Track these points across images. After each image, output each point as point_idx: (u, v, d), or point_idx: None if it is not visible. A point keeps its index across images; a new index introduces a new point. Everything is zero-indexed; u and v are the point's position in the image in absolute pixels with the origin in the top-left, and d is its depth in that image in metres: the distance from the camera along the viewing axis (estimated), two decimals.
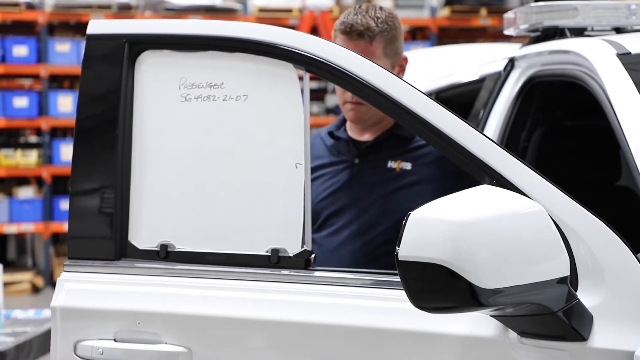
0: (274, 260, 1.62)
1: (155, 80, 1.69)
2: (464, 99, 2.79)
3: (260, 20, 7.48)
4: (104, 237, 1.67)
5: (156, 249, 1.67)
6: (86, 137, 1.70)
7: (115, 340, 1.63)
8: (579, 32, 2.20)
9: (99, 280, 1.66)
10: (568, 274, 1.37)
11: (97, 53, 1.69)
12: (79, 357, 1.64)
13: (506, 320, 1.46)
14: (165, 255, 1.67)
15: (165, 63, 1.69)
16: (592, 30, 2.20)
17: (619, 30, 2.19)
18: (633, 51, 1.84)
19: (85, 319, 1.64)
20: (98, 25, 1.70)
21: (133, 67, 1.69)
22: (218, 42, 1.67)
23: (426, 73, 3.13)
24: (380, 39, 1.99)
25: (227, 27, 1.67)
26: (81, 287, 1.67)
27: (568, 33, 2.19)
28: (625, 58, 1.81)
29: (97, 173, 1.68)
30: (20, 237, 7.92)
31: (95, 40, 1.69)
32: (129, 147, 1.69)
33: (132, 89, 1.69)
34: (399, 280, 1.52)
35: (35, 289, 7.32)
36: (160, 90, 1.69)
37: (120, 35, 1.68)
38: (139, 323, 1.63)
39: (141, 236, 1.67)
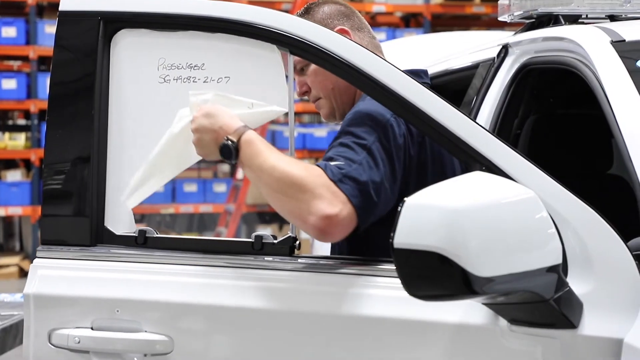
0: (258, 247, 1.60)
1: (132, 61, 1.65)
2: (457, 86, 2.76)
3: (252, 4, 7.42)
4: (79, 222, 1.63)
5: (134, 234, 1.64)
6: (60, 118, 1.66)
7: (92, 329, 1.60)
8: (573, 19, 2.18)
9: (75, 267, 1.63)
10: (560, 261, 1.36)
11: (70, 31, 1.65)
12: (54, 346, 1.61)
13: (497, 307, 1.45)
14: (143, 241, 1.63)
15: (143, 42, 1.65)
16: (587, 17, 2.18)
17: (613, 17, 2.17)
18: (627, 39, 1.83)
19: (61, 306, 1.61)
20: (71, 2, 1.66)
21: (109, 47, 1.65)
22: (198, 21, 1.63)
23: (419, 60, 3.10)
24: None
25: (208, 6, 1.63)
26: (55, 273, 1.63)
27: (562, 20, 2.17)
28: (620, 45, 1.79)
29: (71, 155, 1.64)
30: (7, 221, 7.90)
31: (69, 18, 1.65)
32: (105, 130, 1.65)
33: (108, 69, 1.65)
34: (387, 267, 1.50)
35: (23, 273, 7.30)
36: (137, 71, 1.65)
37: (94, 13, 1.64)
38: (117, 311, 1.60)
39: (118, 221, 1.64)
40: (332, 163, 1.55)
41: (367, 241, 1.66)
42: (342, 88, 1.80)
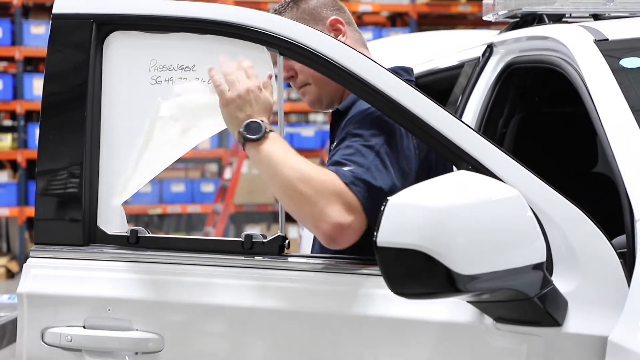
0: (248, 246, 1.61)
1: (124, 62, 1.66)
2: (443, 85, 2.78)
3: (239, 4, 7.41)
4: (72, 222, 1.64)
5: (126, 234, 1.65)
6: (53, 120, 1.67)
7: (84, 327, 1.61)
8: (557, 18, 2.19)
9: (67, 266, 1.64)
10: (545, 259, 1.37)
11: (63, 33, 1.66)
12: (47, 344, 1.61)
13: (482, 306, 1.46)
14: (135, 240, 1.64)
15: (135, 44, 1.66)
16: (571, 16, 2.20)
17: (597, 16, 2.19)
18: (610, 38, 1.84)
19: (53, 305, 1.62)
20: (64, 4, 1.67)
21: (101, 48, 1.66)
22: (189, 23, 1.64)
23: (406, 59, 3.11)
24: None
25: (198, 8, 1.64)
26: (48, 272, 1.64)
27: (546, 19, 2.18)
28: (603, 45, 1.80)
29: (64, 156, 1.65)
30: None
31: (62, 20, 1.66)
32: (97, 130, 1.66)
33: (101, 70, 1.66)
34: (374, 266, 1.52)
35: (10, 274, 7.26)
36: (129, 72, 1.66)
37: (87, 15, 1.65)
38: (109, 310, 1.60)
39: (110, 221, 1.65)
40: (345, 169, 1.55)
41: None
42: None
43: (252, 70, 1.61)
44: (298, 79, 1.82)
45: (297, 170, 1.53)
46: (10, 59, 7.58)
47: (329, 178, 1.53)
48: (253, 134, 1.56)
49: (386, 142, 1.60)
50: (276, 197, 1.59)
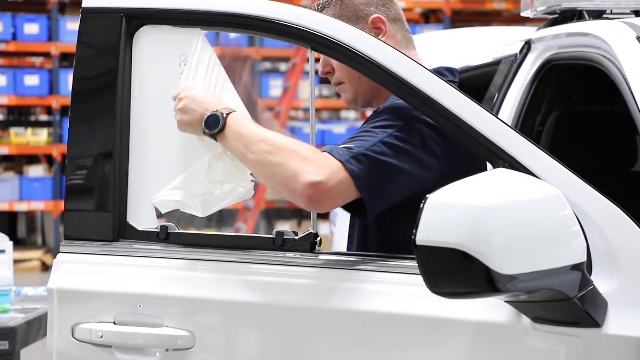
0: (279, 243, 1.60)
1: (154, 57, 1.66)
2: (478, 82, 2.75)
3: None
4: (102, 217, 1.64)
5: (156, 230, 1.65)
6: (83, 115, 1.66)
7: (115, 323, 1.61)
8: (597, 14, 2.16)
9: (98, 262, 1.64)
10: (584, 259, 1.35)
11: (93, 28, 1.66)
12: (78, 340, 1.61)
13: (520, 305, 1.44)
14: (165, 236, 1.64)
15: (165, 39, 1.65)
16: (611, 12, 2.16)
17: (638, 13, 2.15)
18: None
19: (84, 301, 1.62)
20: None
21: (131, 43, 1.66)
22: (220, 18, 1.63)
23: (439, 56, 3.08)
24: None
25: (229, 2, 1.63)
26: (79, 268, 1.64)
27: (586, 15, 2.15)
28: None
29: (94, 152, 1.65)
30: (30, 215, 7.97)
31: (91, 14, 1.66)
32: (127, 126, 1.66)
33: (130, 65, 1.65)
34: (408, 264, 1.50)
35: (45, 267, 7.37)
36: (159, 66, 1.66)
37: (117, 9, 1.65)
38: (139, 306, 1.60)
39: (140, 217, 1.65)
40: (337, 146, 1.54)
41: (391, 237, 1.65)
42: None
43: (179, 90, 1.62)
44: (334, 76, 1.80)
45: (267, 142, 1.53)
46: (47, 55, 7.68)
47: (303, 145, 1.52)
48: (213, 128, 1.57)
49: (402, 127, 1.57)
50: (255, 175, 1.58)
